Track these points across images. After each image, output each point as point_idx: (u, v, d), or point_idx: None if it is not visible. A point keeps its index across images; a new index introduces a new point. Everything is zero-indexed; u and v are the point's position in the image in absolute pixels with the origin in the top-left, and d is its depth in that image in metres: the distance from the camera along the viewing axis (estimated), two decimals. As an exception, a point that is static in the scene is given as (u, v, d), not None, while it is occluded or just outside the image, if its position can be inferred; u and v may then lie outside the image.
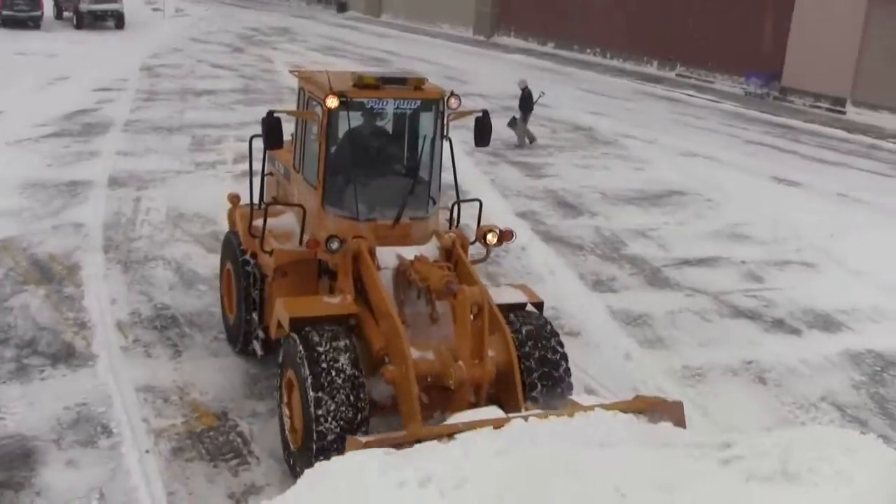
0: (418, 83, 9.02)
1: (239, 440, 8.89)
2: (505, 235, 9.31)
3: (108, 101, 25.43)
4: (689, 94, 32.29)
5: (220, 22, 47.82)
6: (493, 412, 7.16)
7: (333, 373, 7.69)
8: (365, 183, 9.01)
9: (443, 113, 9.13)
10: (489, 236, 9.23)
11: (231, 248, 10.51)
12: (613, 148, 22.98)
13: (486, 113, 9.71)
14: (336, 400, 7.62)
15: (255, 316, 9.92)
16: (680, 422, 7.29)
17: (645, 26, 36.87)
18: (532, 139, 22.56)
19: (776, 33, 31.09)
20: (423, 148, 9.31)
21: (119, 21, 42.57)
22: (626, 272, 14.19)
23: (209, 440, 8.89)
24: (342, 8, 56.19)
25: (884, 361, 11.47)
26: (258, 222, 9.58)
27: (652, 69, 36.97)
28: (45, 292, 12.17)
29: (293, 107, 10.00)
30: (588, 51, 40.17)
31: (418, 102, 9.13)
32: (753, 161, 22.09)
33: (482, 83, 31.16)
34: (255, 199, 10.28)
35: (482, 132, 9.69)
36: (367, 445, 6.51)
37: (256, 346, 10.00)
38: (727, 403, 10.20)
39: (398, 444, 6.53)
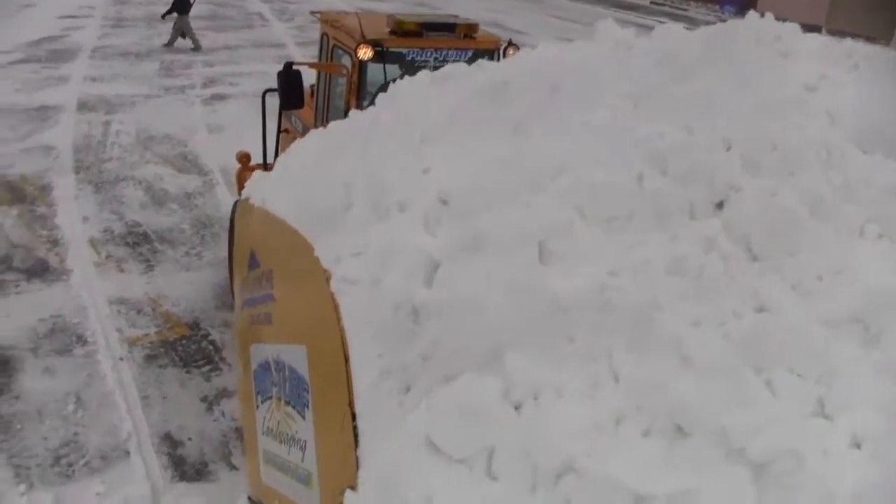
0: (470, 30, 7.81)
1: (211, 348, 9.14)
2: None
3: (75, 28, 25.18)
4: (662, 22, 31.84)
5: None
6: None
7: None
8: None
9: None
10: None
11: None
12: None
13: None
14: None
15: None
16: None
17: (617, -47, 36.63)
18: (197, 46, 22.93)
19: (747, -41, 31.02)
20: None
21: (84, -53, 41.60)
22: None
23: (181, 348, 9.13)
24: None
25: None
26: None
27: (624, -4, 36.84)
28: (17, 212, 12.27)
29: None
30: (560, -22, 39.89)
31: (469, 53, 7.80)
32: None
33: (456, 6, 30.96)
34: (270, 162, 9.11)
35: None
36: None
37: None
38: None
39: None
